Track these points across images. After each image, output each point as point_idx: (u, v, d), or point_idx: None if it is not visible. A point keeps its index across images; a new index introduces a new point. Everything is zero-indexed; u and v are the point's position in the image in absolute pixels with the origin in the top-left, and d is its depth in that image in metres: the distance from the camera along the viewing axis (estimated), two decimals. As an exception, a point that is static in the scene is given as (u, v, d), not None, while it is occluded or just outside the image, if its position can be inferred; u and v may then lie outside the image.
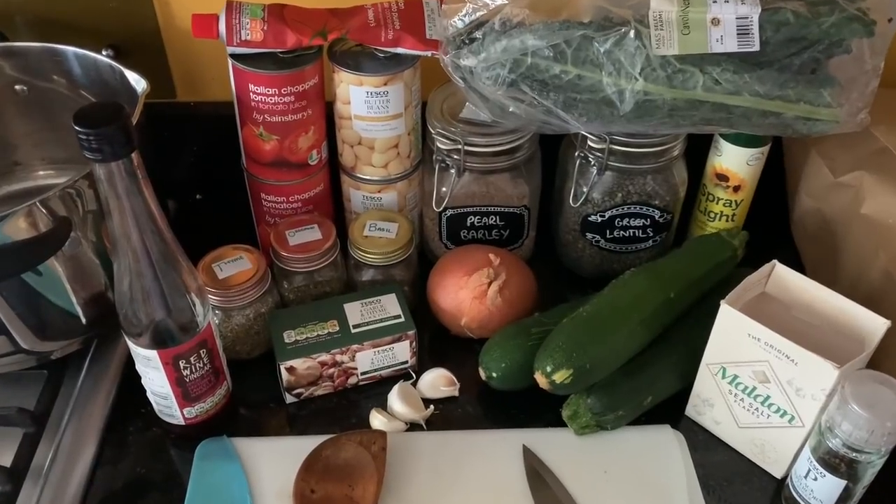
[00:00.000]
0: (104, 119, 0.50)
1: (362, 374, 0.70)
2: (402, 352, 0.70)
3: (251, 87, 0.68)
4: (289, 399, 0.70)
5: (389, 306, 0.70)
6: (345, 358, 0.68)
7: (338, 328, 0.68)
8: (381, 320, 0.69)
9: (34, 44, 0.76)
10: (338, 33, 0.69)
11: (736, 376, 0.63)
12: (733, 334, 0.61)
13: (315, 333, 0.68)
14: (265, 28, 0.67)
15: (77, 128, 0.49)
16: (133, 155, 0.52)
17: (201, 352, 0.62)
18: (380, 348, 0.68)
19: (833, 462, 0.57)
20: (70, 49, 0.74)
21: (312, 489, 0.61)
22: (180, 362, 0.61)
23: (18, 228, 0.59)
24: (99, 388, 0.70)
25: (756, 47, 0.64)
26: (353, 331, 0.68)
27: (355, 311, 0.70)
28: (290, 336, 0.68)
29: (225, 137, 0.77)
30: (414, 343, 0.70)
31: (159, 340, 0.60)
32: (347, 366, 0.69)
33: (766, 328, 0.59)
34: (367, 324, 0.69)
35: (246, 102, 0.70)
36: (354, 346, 0.67)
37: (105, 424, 0.68)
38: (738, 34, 0.63)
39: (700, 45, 0.64)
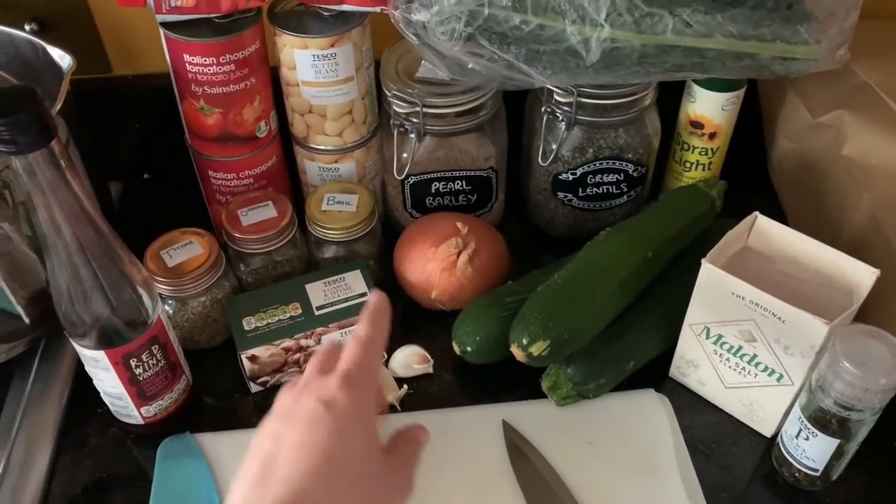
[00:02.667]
0: (15, 106, 0.44)
1: None
2: None
3: (186, 57, 0.63)
4: (254, 388, 0.66)
5: (354, 284, 0.66)
6: (310, 342, 0.64)
7: (300, 311, 0.64)
8: (347, 299, 0.65)
9: (-58, 22, 0.69)
10: (277, -7, 0.63)
11: (720, 336, 0.60)
12: (716, 293, 0.58)
13: (276, 318, 0.64)
14: (196, -9, 0.61)
15: (-16, 118, 0.44)
16: (53, 143, 0.47)
17: (153, 348, 0.58)
18: (347, 329, 0.65)
19: (824, 421, 0.54)
20: (-18, 26, 0.68)
21: (283, 484, 0.58)
22: (131, 361, 0.57)
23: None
24: (50, 389, 0.66)
25: (727, -16, 0.60)
26: (317, 313, 0.64)
27: (318, 292, 0.66)
28: (249, 323, 0.64)
29: (169, 112, 0.71)
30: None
31: (106, 340, 0.56)
32: (314, 349, 0.65)
33: (750, 286, 0.55)
34: (332, 304, 0.65)
35: (183, 75, 0.64)
36: (319, 329, 0.64)
37: (59, 428, 0.64)
38: (707, -30, 0.59)
39: (668, -15, 0.59)
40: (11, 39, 0.68)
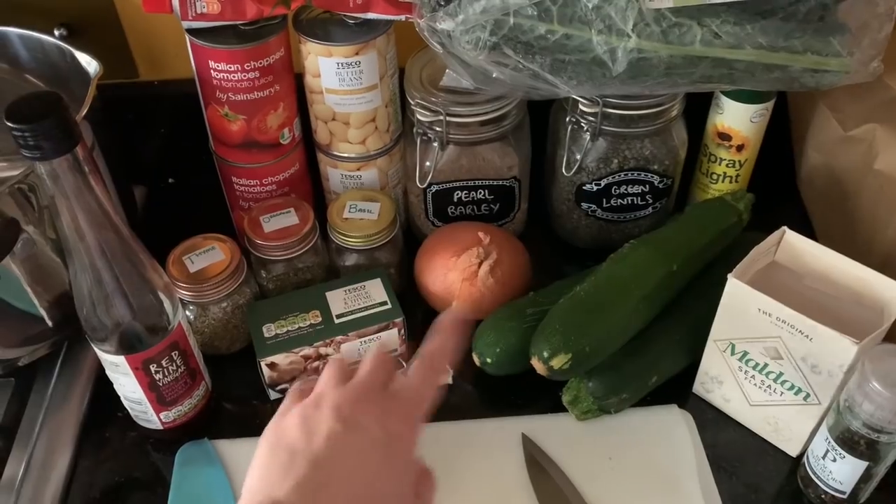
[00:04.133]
0: (40, 112, 0.45)
1: (349, 366, 0.66)
2: (391, 340, 0.66)
3: (211, 63, 0.63)
4: (273, 395, 0.66)
5: (374, 292, 0.66)
6: (329, 350, 0.64)
7: (320, 319, 0.64)
8: (366, 308, 0.65)
9: (-28, 27, 0.70)
10: (302, 0, 0.63)
11: (746, 352, 0.59)
12: (742, 309, 0.57)
13: (296, 326, 0.64)
14: (222, -2, 0.61)
15: (10, 124, 0.44)
16: (77, 149, 0.47)
17: (173, 354, 0.58)
18: (366, 338, 0.64)
19: (852, 442, 0.53)
20: (13, 31, 0.69)
21: (300, 493, 0.57)
22: (151, 366, 0.57)
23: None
24: (71, 392, 0.67)
25: (758, -5, 0.58)
26: (337, 321, 0.64)
27: (338, 300, 0.65)
28: (269, 330, 0.64)
29: (194, 117, 0.72)
30: (402, 330, 0.65)
31: (126, 345, 0.56)
32: (333, 357, 0.65)
33: (777, 302, 0.54)
34: (352, 312, 0.65)
35: (208, 81, 0.64)
36: (339, 338, 0.63)
37: (79, 431, 0.65)
38: (738, -19, 0.58)
39: (697, -4, 0.59)
40: (41, 44, 0.68)
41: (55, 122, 0.45)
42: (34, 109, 0.45)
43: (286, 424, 0.45)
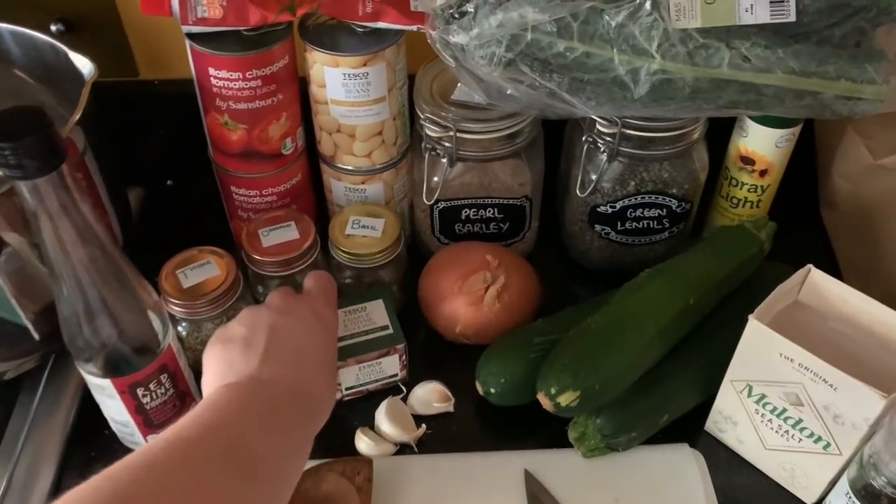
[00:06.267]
0: (22, 129, 0.42)
1: (347, 389, 0.63)
2: (391, 365, 0.63)
3: (212, 71, 0.60)
4: (266, 418, 0.63)
5: (376, 315, 0.63)
6: None
7: None
8: (367, 332, 0.62)
9: (-38, 22, 0.67)
10: (308, 7, 0.60)
11: (764, 395, 0.56)
12: (762, 352, 0.54)
13: None
14: (224, 3, 0.58)
15: (-11, 141, 0.41)
16: (63, 166, 0.44)
17: (162, 377, 0.56)
18: (365, 363, 0.61)
19: (874, 498, 0.50)
20: (5, 27, 0.65)
21: (291, 527, 0.55)
22: (138, 390, 0.55)
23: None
24: (57, 407, 0.64)
25: (791, 17, 0.55)
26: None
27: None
28: None
29: (195, 119, 0.68)
30: (404, 356, 0.63)
31: (112, 367, 0.53)
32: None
33: (800, 348, 0.51)
34: (351, 336, 0.62)
35: (207, 88, 0.61)
36: (338, 363, 0.60)
37: (64, 448, 0.62)
38: (770, 2, 0.55)
39: (727, 16, 0.55)
40: (34, 42, 0.65)
41: (38, 140, 0.42)
42: (16, 126, 0.42)
43: (231, 326, 0.54)
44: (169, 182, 0.84)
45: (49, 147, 0.43)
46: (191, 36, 0.60)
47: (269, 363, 0.51)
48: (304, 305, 0.56)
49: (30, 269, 0.59)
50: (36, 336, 0.62)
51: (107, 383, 0.54)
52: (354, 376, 0.62)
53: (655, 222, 0.69)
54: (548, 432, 0.62)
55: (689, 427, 0.62)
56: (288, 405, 0.50)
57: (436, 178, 0.67)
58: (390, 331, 0.62)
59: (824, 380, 0.51)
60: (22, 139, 0.41)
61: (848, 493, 0.51)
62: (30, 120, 0.42)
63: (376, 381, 0.64)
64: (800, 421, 0.55)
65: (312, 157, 0.71)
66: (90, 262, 0.49)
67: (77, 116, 0.58)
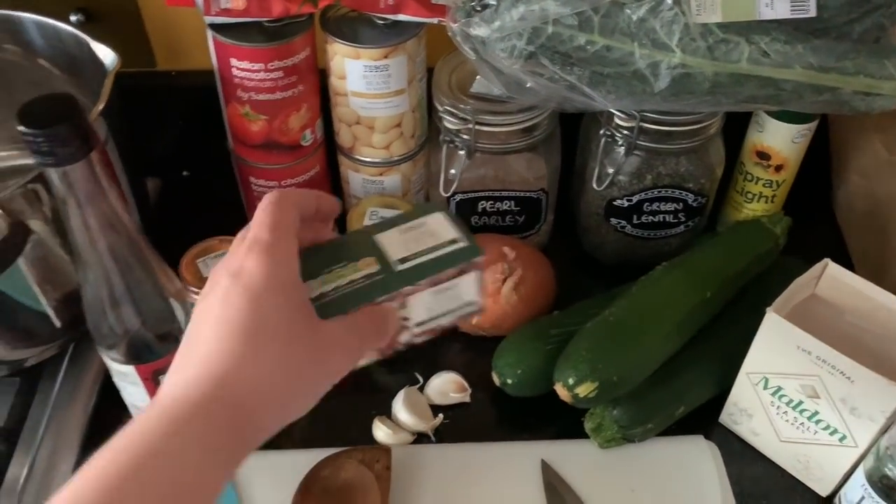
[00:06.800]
0: (54, 116, 0.42)
1: (417, 325, 0.48)
2: (469, 289, 0.48)
3: (234, 62, 0.60)
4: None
5: (439, 229, 0.47)
6: (395, 305, 0.46)
7: (377, 267, 0.45)
8: (434, 248, 0.46)
9: (-12, 11, 0.68)
10: (330, -1, 0.60)
11: (780, 388, 0.56)
12: (780, 344, 0.54)
13: (347, 280, 0.45)
14: (247, -6, 0.59)
15: (23, 128, 0.41)
16: (93, 154, 0.45)
17: (184, 365, 0.56)
18: (441, 286, 0.47)
19: (890, 490, 0.50)
20: (28, 17, 0.66)
21: (310, 514, 0.56)
22: (161, 377, 0.55)
23: (-30, 233, 0.53)
24: (77, 395, 0.65)
25: (812, 13, 0.55)
26: (400, 267, 0.45)
27: (395, 242, 0.46)
28: (313, 289, 0.45)
29: (212, 110, 0.69)
30: (482, 275, 0.49)
31: (135, 354, 0.54)
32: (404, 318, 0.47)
33: (818, 341, 0.52)
34: (416, 255, 0.46)
35: (229, 79, 0.62)
36: (406, 289, 0.45)
37: (85, 435, 0.63)
38: (791, -3, 0.55)
39: (747, 11, 0.56)
40: (57, 32, 0.66)
41: (70, 128, 0.42)
42: (48, 113, 0.42)
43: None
44: (185, 173, 0.85)
45: (80, 134, 0.43)
46: (213, 26, 0.60)
47: (172, 373, 0.39)
48: (222, 268, 0.40)
49: (53, 257, 0.60)
50: (57, 323, 0.62)
51: (130, 370, 0.54)
52: (425, 307, 0.47)
53: (671, 216, 0.69)
54: (562, 423, 0.62)
55: (703, 418, 0.62)
56: (185, 432, 0.36)
57: (453, 171, 0.68)
58: (464, 244, 0.46)
59: (842, 372, 0.52)
60: (54, 126, 0.42)
61: (864, 484, 0.52)
62: (61, 107, 0.43)
63: (451, 311, 0.49)
64: (816, 413, 0.55)
65: (330, 148, 0.71)
66: (116, 250, 0.49)
67: (101, 106, 0.58)
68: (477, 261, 0.47)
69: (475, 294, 0.49)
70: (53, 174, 0.44)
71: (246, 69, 0.60)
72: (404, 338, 0.49)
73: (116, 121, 0.64)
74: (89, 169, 0.45)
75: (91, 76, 0.63)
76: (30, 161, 0.55)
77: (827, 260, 0.57)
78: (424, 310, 0.48)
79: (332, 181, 0.74)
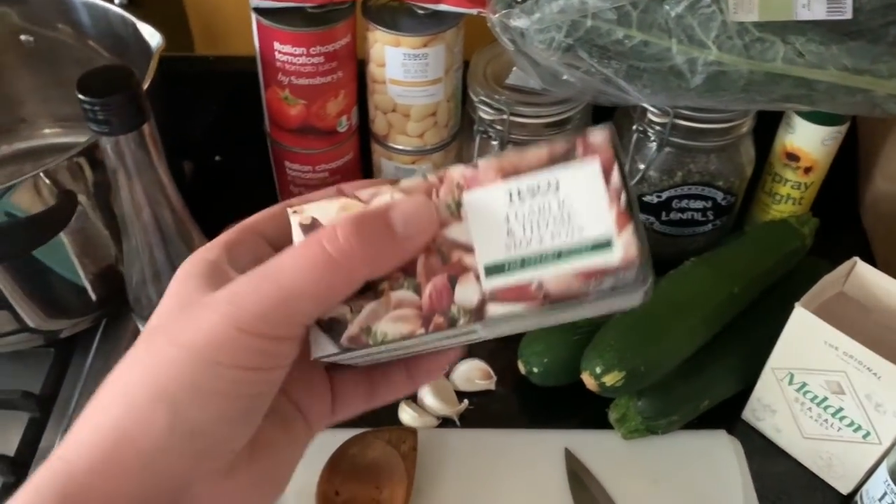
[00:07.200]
0: (112, 87, 0.44)
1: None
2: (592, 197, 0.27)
3: (276, 45, 0.62)
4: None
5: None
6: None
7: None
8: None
9: (39, -10, 0.69)
10: (373, -13, 0.62)
11: (805, 384, 0.57)
12: (807, 340, 0.55)
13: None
14: (293, -21, 0.60)
15: (81, 97, 0.43)
16: (145, 126, 0.46)
17: (219, 339, 0.57)
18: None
19: (914, 487, 0.51)
20: (78, -1, 0.68)
21: (337, 491, 0.56)
22: (196, 350, 0.56)
23: (20, 202, 0.54)
24: (109, 367, 0.64)
25: (848, 14, 0.56)
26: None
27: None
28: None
29: (247, 96, 0.70)
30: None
31: (173, 326, 0.55)
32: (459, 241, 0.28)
33: (846, 336, 0.52)
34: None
35: (271, 62, 0.63)
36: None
37: (116, 408, 0.64)
38: (828, -1, 0.56)
39: (784, 11, 0.56)
40: (105, 13, 0.67)
41: (126, 98, 0.44)
42: (105, 83, 0.44)
43: None
44: (217, 158, 0.86)
45: (135, 106, 0.45)
46: (258, 10, 0.61)
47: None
48: None
49: (93, 231, 0.61)
50: (93, 297, 0.64)
51: (166, 342, 0.55)
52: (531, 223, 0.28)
53: (700, 214, 0.70)
54: (586, 414, 0.63)
55: (726, 414, 0.63)
56: None
57: (485, 162, 0.69)
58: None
59: (868, 368, 0.52)
60: (111, 96, 0.43)
61: (887, 481, 0.52)
62: (118, 79, 0.44)
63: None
64: (840, 409, 0.56)
65: (364, 135, 0.72)
66: (160, 221, 0.50)
67: (147, 84, 0.60)
68: (601, 135, 0.27)
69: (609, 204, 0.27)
70: (107, 143, 0.46)
71: (288, 53, 0.62)
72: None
73: (158, 102, 0.66)
74: (140, 140, 0.46)
75: (135, 57, 0.65)
76: (75, 139, 0.57)
77: (856, 258, 0.58)
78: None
79: (364, 169, 0.75)
